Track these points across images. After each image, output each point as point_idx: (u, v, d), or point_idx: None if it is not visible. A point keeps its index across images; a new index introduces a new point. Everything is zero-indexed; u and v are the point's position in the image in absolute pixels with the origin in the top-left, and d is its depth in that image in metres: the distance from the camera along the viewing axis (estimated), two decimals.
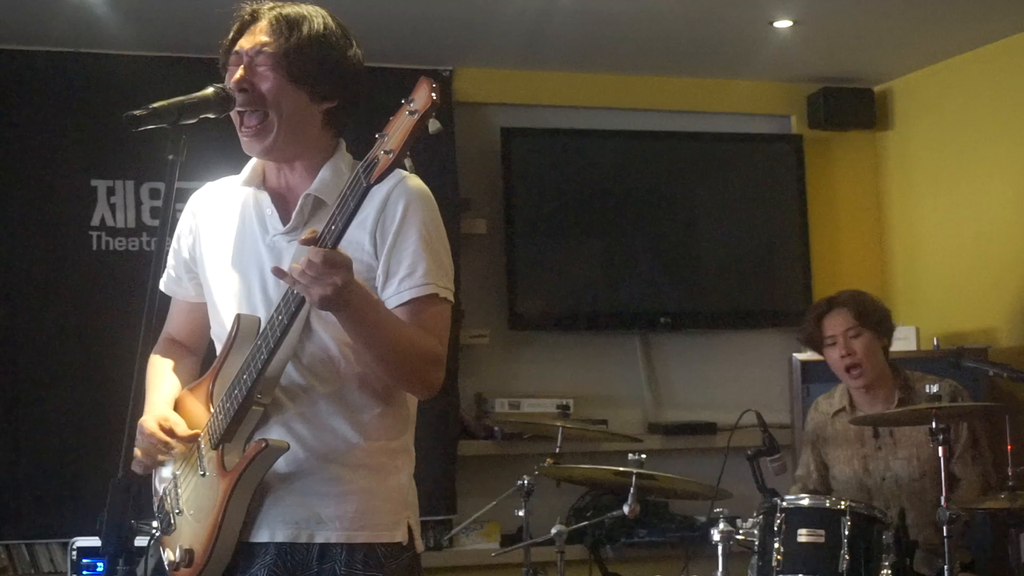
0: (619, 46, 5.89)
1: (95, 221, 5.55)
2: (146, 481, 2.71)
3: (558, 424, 5.06)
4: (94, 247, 5.54)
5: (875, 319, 4.79)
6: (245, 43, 2.62)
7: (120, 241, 5.57)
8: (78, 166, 5.52)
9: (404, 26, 5.44)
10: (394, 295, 2.58)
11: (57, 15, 5.06)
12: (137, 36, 5.32)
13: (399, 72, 5.54)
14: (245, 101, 2.58)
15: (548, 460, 4.89)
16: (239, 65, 2.60)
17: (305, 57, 2.59)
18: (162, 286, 2.82)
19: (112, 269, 5.50)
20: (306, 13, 2.64)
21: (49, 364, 5.43)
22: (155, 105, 2.36)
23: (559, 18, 5.31)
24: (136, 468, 2.64)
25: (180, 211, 2.86)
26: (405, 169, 2.34)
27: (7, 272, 5.45)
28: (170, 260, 2.84)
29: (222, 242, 2.74)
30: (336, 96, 2.66)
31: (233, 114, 2.60)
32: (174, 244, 2.84)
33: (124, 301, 5.16)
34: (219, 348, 2.72)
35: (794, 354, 5.92)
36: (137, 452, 2.62)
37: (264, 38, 2.60)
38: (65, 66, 5.51)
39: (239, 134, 2.63)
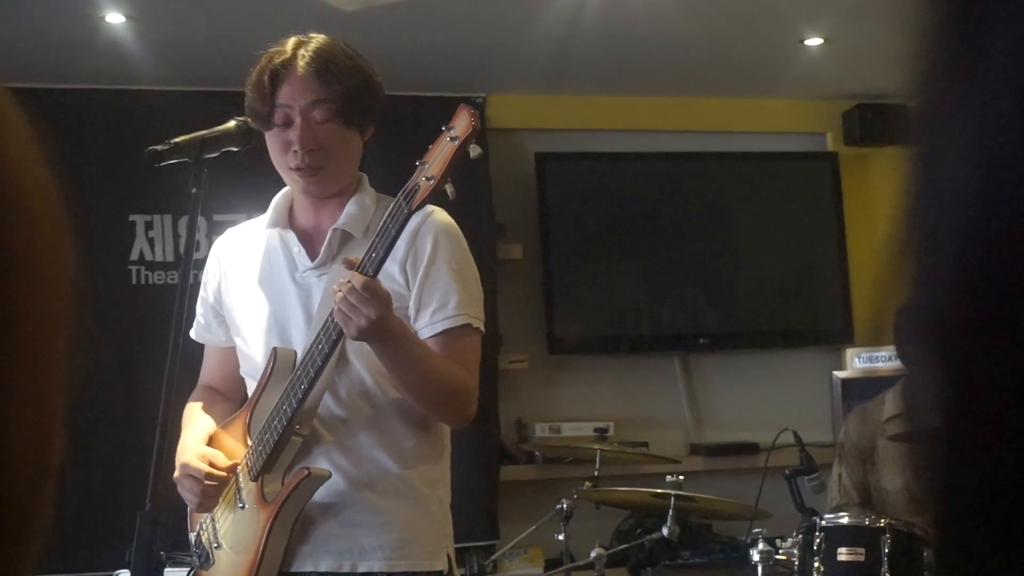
0: (648, 68, 5.88)
1: (134, 255, 5.59)
2: (177, 513, 2.73)
3: (595, 447, 5.06)
4: (133, 281, 5.58)
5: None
6: (295, 97, 2.62)
7: (159, 275, 5.60)
8: (116, 202, 5.56)
9: (436, 54, 5.47)
10: (427, 326, 2.62)
11: (90, 53, 5.12)
12: (169, 72, 5.37)
13: (434, 100, 5.56)
14: (312, 159, 2.60)
15: (587, 484, 4.89)
16: (289, 119, 2.61)
17: (356, 100, 2.63)
18: (193, 334, 2.86)
19: (151, 303, 5.52)
20: (329, 43, 2.66)
21: (91, 399, 5.45)
22: (176, 140, 2.39)
23: (584, 41, 5.30)
24: (199, 511, 2.68)
25: (212, 239, 2.91)
26: (447, 195, 2.37)
27: None
28: (198, 308, 2.88)
29: (249, 282, 2.78)
30: (372, 122, 2.71)
31: (289, 155, 2.62)
32: (201, 292, 2.87)
33: (163, 334, 5.16)
34: (251, 385, 2.74)
35: (834, 372, 5.89)
36: (188, 496, 2.65)
37: (316, 91, 2.61)
38: (100, 103, 5.56)
39: (292, 175, 2.65)
